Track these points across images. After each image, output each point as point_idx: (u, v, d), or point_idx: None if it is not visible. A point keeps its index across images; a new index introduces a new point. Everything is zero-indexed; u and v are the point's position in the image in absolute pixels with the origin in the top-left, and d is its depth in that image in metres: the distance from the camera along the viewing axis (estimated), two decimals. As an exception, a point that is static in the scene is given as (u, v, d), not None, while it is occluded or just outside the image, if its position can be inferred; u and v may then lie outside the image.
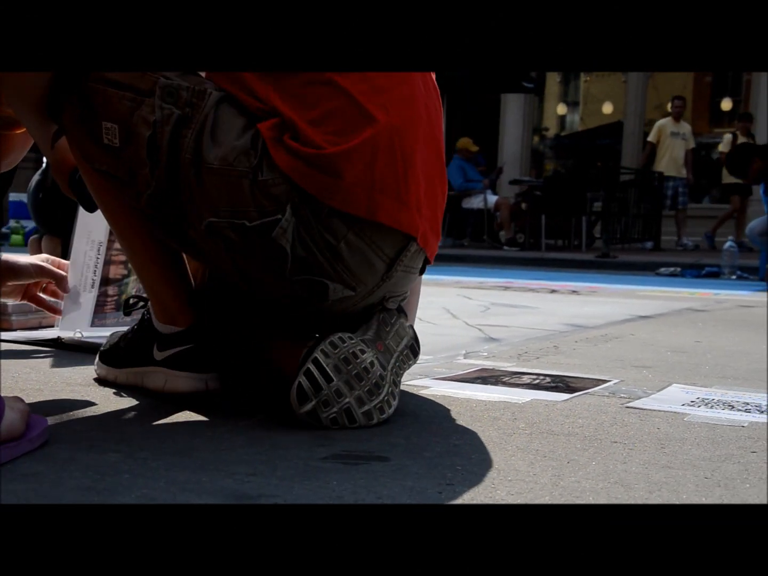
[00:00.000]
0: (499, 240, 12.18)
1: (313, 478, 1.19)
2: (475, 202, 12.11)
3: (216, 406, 1.60)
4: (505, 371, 2.16)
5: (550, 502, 1.12)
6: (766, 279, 7.35)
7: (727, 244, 8.40)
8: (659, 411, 1.73)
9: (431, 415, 1.63)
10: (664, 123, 11.72)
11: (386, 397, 1.52)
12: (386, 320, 1.63)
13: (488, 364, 2.28)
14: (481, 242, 12.21)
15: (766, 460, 1.36)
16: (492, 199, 12.07)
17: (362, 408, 1.48)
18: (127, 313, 1.87)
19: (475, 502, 1.11)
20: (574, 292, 5.60)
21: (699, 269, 8.68)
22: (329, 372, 1.46)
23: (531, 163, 15.00)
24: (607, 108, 14.90)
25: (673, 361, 2.48)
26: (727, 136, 11.68)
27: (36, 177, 4.19)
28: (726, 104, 13.95)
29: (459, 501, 1.11)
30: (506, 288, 5.77)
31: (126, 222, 1.63)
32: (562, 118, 15.65)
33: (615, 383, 2.05)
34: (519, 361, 2.36)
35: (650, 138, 11.86)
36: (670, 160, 11.59)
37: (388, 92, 1.49)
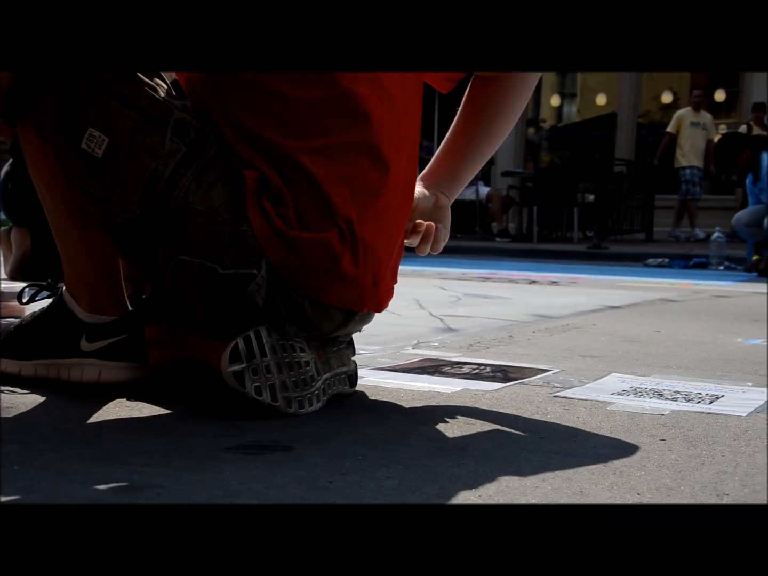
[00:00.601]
0: (491, 231, 12.17)
1: (208, 468, 1.19)
2: (466, 194, 12.07)
3: (138, 396, 1.61)
4: (449, 361, 2.17)
5: (469, 498, 1.12)
6: (749, 269, 7.34)
7: (715, 234, 8.38)
8: (585, 400, 1.74)
9: (352, 405, 1.64)
10: (683, 113, 11.41)
11: (310, 396, 1.53)
12: (335, 342, 1.65)
13: (435, 354, 2.29)
14: (473, 233, 12.20)
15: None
16: (484, 190, 12.06)
17: (285, 393, 1.49)
18: (26, 303, 1.83)
19: (362, 492, 1.12)
20: (554, 283, 5.60)
21: (687, 260, 8.67)
22: (266, 348, 1.48)
23: (525, 155, 14.99)
24: (601, 99, 14.87)
25: (623, 350, 2.48)
26: (742, 127, 11.47)
27: (5, 168, 4.19)
28: (720, 95, 13.90)
29: (347, 491, 1.12)
30: (486, 279, 5.77)
31: (61, 211, 1.63)
32: (557, 110, 15.63)
33: (554, 373, 2.05)
34: (468, 351, 2.37)
35: (669, 129, 11.53)
36: (691, 151, 11.28)
37: (356, 180, 1.51)
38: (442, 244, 1.74)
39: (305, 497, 1.08)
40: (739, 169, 7.49)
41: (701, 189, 11.62)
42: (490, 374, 2.01)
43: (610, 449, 1.37)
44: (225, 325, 1.51)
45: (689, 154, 11.27)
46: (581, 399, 1.75)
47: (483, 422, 1.53)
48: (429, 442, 1.38)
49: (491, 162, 13.37)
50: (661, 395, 1.82)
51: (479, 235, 12.06)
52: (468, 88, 1.79)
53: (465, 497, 1.10)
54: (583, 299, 4.31)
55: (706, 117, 11.45)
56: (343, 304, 1.55)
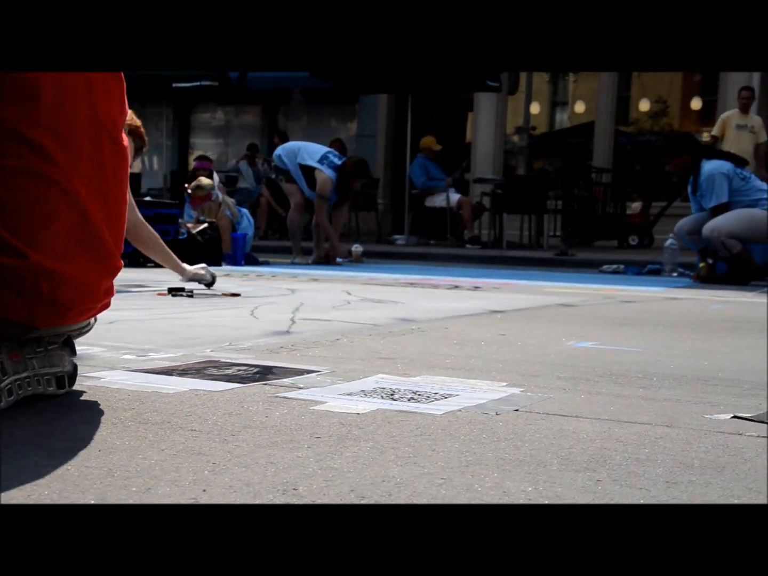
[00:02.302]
0: (463, 238, 12.19)
1: None
2: (437, 201, 12.14)
3: None
4: (225, 363, 2.19)
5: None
6: (695, 277, 7.34)
7: (668, 241, 8.37)
8: (302, 400, 1.76)
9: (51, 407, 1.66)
10: (729, 115, 10.51)
11: None
12: (41, 342, 1.67)
13: (224, 356, 2.31)
14: (444, 240, 12.23)
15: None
16: (454, 197, 12.09)
17: None
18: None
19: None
20: (476, 288, 5.61)
21: (642, 267, 8.67)
22: None
23: (504, 162, 14.99)
24: (580, 107, 14.88)
25: (431, 353, 2.50)
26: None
27: None
28: (695, 103, 13.89)
29: None
30: (411, 284, 5.79)
31: None
32: (549, 117, 15.63)
33: (318, 374, 2.07)
34: (269, 354, 2.39)
35: (713, 132, 10.59)
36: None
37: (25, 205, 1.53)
38: None
39: None
40: (675, 171, 7.44)
41: None
42: (251, 375, 2.03)
43: (263, 448, 1.39)
44: None
45: None
46: (299, 399, 1.77)
47: (173, 422, 1.55)
48: (62, 442, 1.40)
49: (466, 169, 13.42)
50: (393, 395, 1.83)
51: (450, 242, 12.09)
52: None
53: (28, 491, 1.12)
54: (475, 303, 4.33)
55: (755, 120, 10.53)
56: (15, 318, 1.57)
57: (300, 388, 1.90)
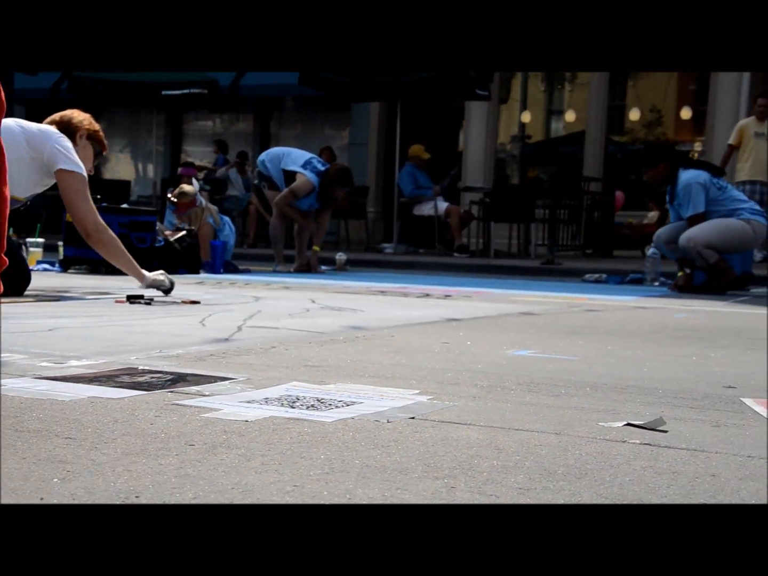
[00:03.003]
0: (452, 247, 12.18)
1: None
2: (425, 209, 12.13)
3: None
4: (143, 370, 2.19)
5: None
6: (673, 287, 7.32)
7: (650, 251, 8.36)
8: (197, 407, 1.76)
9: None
10: (746, 123, 10.01)
11: None
12: None
13: (148, 363, 2.31)
14: (433, 249, 12.22)
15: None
16: (443, 206, 12.08)
17: None
18: None
19: None
20: (447, 296, 5.60)
21: (624, 276, 8.66)
22: None
23: (495, 171, 14.99)
24: (570, 116, 14.89)
25: (362, 361, 2.50)
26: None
27: None
28: (686, 113, 13.89)
29: None
30: (382, 293, 5.78)
31: None
32: (531, 126, 15.63)
33: (231, 382, 2.07)
34: (194, 361, 2.39)
35: (730, 140, 10.09)
36: (755, 164, 9.88)
37: None
38: None
39: None
40: (652, 181, 7.43)
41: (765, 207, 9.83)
42: (157, 383, 2.03)
43: (129, 456, 1.39)
44: None
45: (751, 168, 9.92)
46: (192, 406, 1.78)
47: (51, 430, 1.55)
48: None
49: (456, 178, 13.42)
50: (294, 403, 1.84)
51: (438, 250, 12.08)
52: None
53: None
54: (434, 312, 4.32)
55: None
56: None
57: (205, 395, 1.90)
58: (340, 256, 9.24)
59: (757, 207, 7.14)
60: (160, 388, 1.95)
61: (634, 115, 14.39)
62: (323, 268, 8.65)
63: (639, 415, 1.84)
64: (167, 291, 4.50)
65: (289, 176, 8.13)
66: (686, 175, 6.98)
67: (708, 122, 13.15)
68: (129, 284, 4.91)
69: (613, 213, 12.30)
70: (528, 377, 2.31)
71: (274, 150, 8.87)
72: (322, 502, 1.17)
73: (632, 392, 2.14)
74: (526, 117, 15.27)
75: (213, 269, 7.63)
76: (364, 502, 1.18)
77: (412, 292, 5.99)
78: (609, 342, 3.22)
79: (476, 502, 1.20)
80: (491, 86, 13.08)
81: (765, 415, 1.88)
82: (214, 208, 8.48)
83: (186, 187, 8.20)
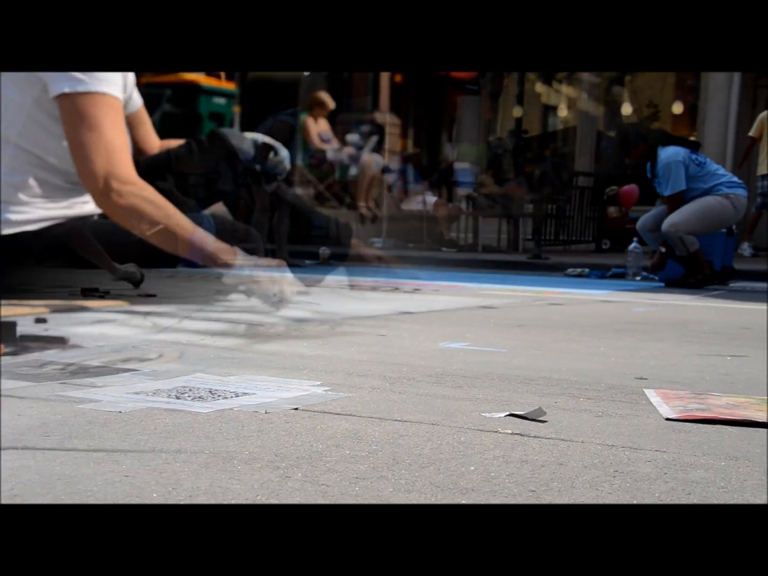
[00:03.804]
0: (441, 241, 12.16)
1: None
2: (414, 204, 12.11)
3: None
4: (49, 361, 2.18)
5: None
6: (650, 269, 7.29)
7: (632, 245, 8.33)
8: (78, 398, 1.75)
9: None
10: (767, 115, 9.73)
11: None
12: None
13: (61, 355, 2.29)
14: (421, 243, 12.20)
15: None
16: (431, 200, 12.06)
17: None
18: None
19: None
20: (416, 290, 5.58)
21: (606, 270, 8.64)
22: None
23: (488, 166, 14.96)
24: (562, 111, 14.87)
25: (283, 353, 2.49)
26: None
27: None
28: (678, 108, 13.84)
29: None
30: (351, 287, 5.77)
31: None
32: (525, 121, 15.60)
33: (137, 373, 2.06)
34: (110, 353, 2.38)
35: (751, 132, 9.84)
36: None
37: None
38: None
39: None
40: (634, 163, 7.40)
41: None
42: (53, 374, 2.02)
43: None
44: None
45: None
46: (73, 397, 1.76)
47: None
48: None
49: (441, 173, 13.39)
50: (181, 394, 1.82)
51: (426, 244, 12.06)
52: None
53: None
54: (391, 305, 4.31)
55: None
56: None
57: (96, 387, 1.88)
58: (324, 251, 9.23)
59: (736, 179, 7.05)
60: (53, 379, 1.94)
61: (625, 110, 14.35)
62: (307, 262, 8.64)
63: (531, 406, 1.82)
64: (137, 283, 4.56)
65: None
66: (665, 153, 6.91)
67: (699, 117, 13.10)
68: (97, 278, 4.90)
69: (605, 208, 12.28)
70: (441, 369, 2.29)
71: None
72: (150, 495, 1.15)
73: (539, 383, 2.12)
74: (518, 112, 15.23)
75: (190, 263, 7.61)
76: (188, 492, 1.16)
77: (383, 286, 5.97)
78: (548, 335, 3.20)
79: (306, 492, 1.18)
80: (481, 81, 13.08)
81: (656, 404, 1.86)
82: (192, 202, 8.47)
83: (162, 183, 8.19)
